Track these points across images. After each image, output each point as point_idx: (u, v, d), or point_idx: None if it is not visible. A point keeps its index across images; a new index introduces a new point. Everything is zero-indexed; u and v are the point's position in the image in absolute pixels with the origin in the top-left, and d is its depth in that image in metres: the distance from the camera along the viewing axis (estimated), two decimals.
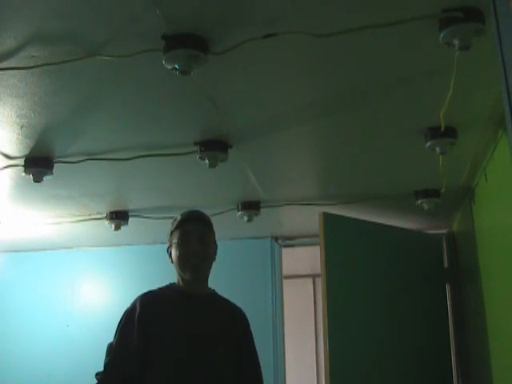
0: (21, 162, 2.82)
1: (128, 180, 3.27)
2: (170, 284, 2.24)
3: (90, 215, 3.86)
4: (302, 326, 6.01)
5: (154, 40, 1.82)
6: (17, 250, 4.83)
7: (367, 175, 3.29)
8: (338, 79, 2.16)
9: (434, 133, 2.54)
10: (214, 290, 2.27)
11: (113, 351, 2.10)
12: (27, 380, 4.54)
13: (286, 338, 4.47)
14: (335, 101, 2.35)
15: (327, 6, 1.69)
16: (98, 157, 2.82)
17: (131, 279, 4.58)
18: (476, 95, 2.27)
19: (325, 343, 3.32)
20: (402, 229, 3.98)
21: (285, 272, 4.66)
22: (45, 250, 4.80)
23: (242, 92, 2.25)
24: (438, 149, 2.60)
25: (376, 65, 2.06)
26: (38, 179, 2.84)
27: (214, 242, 2.26)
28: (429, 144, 2.59)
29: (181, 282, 2.20)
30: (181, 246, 2.16)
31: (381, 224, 3.83)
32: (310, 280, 6.35)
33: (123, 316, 2.16)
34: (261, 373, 2.24)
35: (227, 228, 4.13)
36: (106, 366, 2.08)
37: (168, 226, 2.26)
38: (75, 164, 2.85)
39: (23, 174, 2.86)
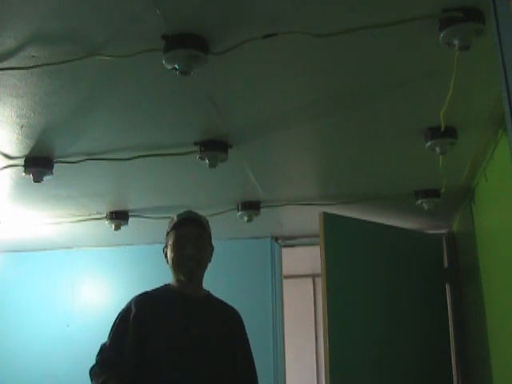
0: (21, 162, 2.82)
1: (128, 180, 3.27)
2: (165, 285, 2.24)
3: (89, 215, 3.86)
4: (301, 325, 6.01)
5: (154, 40, 1.81)
6: (17, 249, 4.83)
7: (367, 175, 3.29)
8: (338, 79, 2.16)
9: (434, 133, 2.54)
10: (208, 292, 2.27)
11: (107, 349, 2.10)
12: (27, 380, 4.54)
13: (286, 337, 4.47)
14: (335, 101, 2.35)
15: (327, 5, 1.69)
16: (98, 157, 2.82)
17: (131, 279, 4.58)
18: (476, 95, 2.27)
19: (325, 343, 3.32)
20: (402, 229, 3.98)
21: (285, 272, 4.66)
22: (45, 250, 4.80)
23: (241, 92, 2.25)
24: (437, 149, 2.60)
25: (376, 65, 2.06)
26: (37, 179, 2.84)
27: (210, 244, 2.26)
28: (429, 144, 2.59)
29: (176, 283, 2.21)
30: (176, 249, 2.17)
31: (381, 224, 3.83)
32: (309, 280, 6.36)
33: (117, 317, 2.16)
34: (256, 373, 2.25)
35: (227, 228, 4.13)
36: (99, 361, 2.08)
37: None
38: (75, 164, 2.85)
39: (23, 174, 2.86)
